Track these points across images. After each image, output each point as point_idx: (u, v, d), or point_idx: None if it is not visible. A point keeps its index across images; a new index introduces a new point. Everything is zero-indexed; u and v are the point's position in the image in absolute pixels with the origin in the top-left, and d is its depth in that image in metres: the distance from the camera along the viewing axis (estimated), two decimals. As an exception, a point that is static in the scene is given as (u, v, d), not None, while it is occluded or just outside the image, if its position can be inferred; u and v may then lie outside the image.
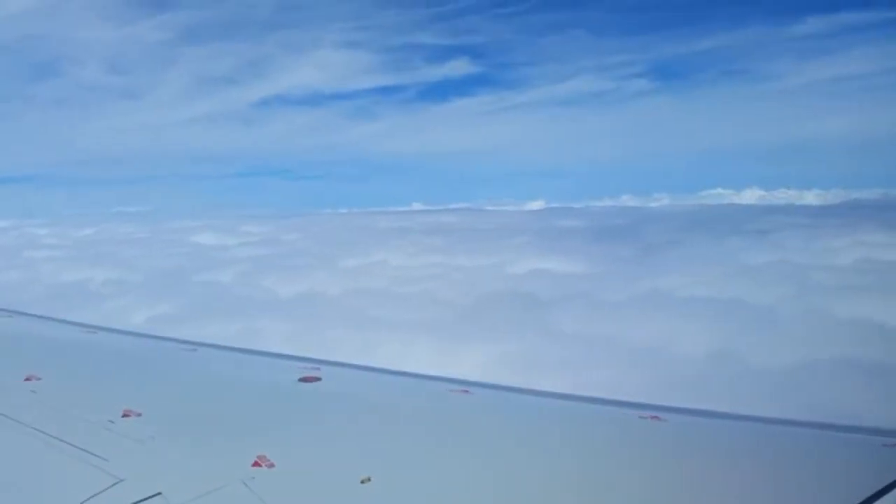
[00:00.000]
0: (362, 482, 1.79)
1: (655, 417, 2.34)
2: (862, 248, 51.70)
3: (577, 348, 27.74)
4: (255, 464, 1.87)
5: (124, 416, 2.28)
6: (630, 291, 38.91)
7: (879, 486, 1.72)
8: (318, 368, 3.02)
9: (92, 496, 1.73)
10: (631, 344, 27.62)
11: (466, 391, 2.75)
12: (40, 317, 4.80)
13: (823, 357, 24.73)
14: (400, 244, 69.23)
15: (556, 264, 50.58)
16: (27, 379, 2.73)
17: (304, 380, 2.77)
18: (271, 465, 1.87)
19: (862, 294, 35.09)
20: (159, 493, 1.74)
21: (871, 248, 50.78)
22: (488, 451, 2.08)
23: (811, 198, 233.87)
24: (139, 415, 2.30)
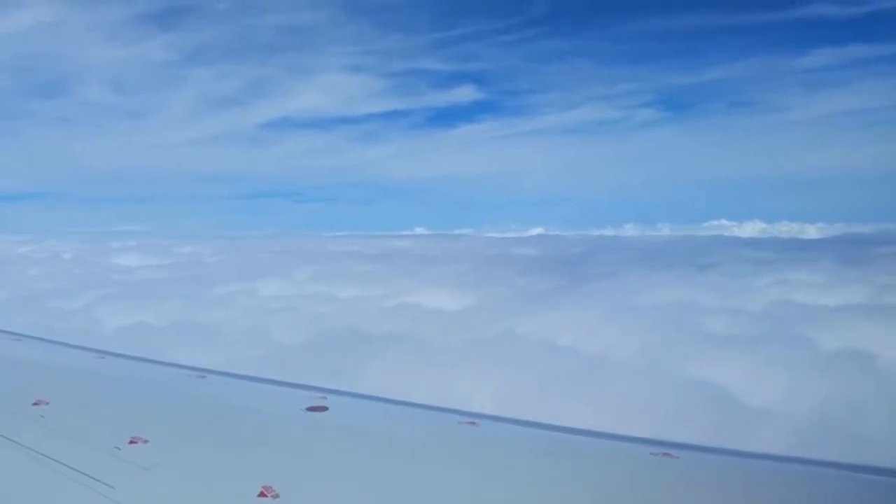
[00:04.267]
0: None
1: (667, 454, 2.23)
2: (788, 288, 46.05)
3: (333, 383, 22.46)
4: (261, 494, 1.84)
5: (131, 442, 2.25)
6: (474, 334, 33.68)
7: None
8: (325, 397, 2.88)
9: None
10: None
11: (474, 423, 2.61)
12: (49, 340, 4.58)
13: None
14: (311, 270, 64.47)
15: (438, 299, 45.41)
16: (35, 403, 2.70)
17: (312, 409, 2.68)
18: (276, 496, 1.84)
19: (729, 345, 29.52)
20: None
21: (798, 289, 45.12)
22: (495, 485, 2.03)
23: (813, 231, 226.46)
24: (146, 441, 2.27)
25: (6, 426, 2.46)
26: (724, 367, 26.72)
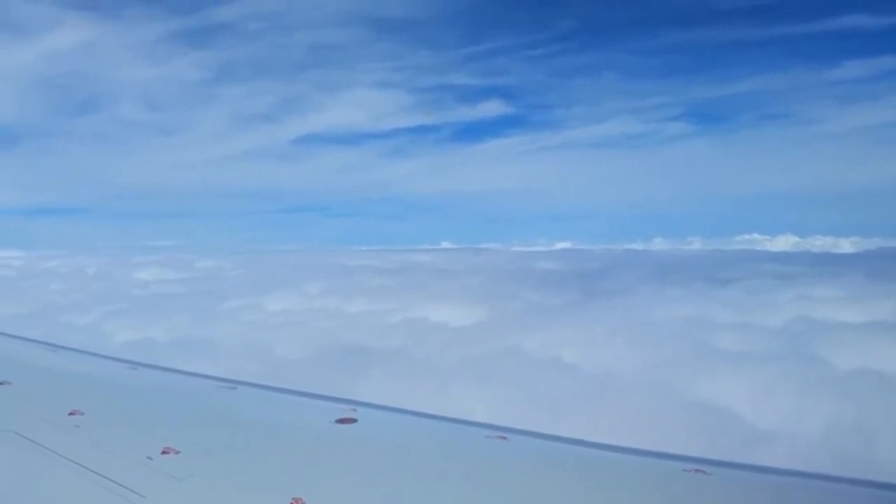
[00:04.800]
0: None
1: (700, 471, 2.22)
2: (808, 303, 44.33)
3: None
4: None
5: (163, 453, 2.27)
6: (472, 349, 32.83)
7: None
8: (355, 409, 2.89)
9: None
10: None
11: (504, 437, 2.60)
12: (84, 352, 4.69)
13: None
14: (323, 285, 64.17)
15: (445, 313, 44.69)
16: (71, 414, 2.75)
17: (341, 421, 2.69)
18: None
19: (734, 363, 28.24)
20: None
21: (819, 305, 43.39)
22: (525, 502, 2.01)
23: (847, 245, 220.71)
24: (178, 452, 2.29)
25: (43, 436, 2.51)
26: (725, 386, 25.56)
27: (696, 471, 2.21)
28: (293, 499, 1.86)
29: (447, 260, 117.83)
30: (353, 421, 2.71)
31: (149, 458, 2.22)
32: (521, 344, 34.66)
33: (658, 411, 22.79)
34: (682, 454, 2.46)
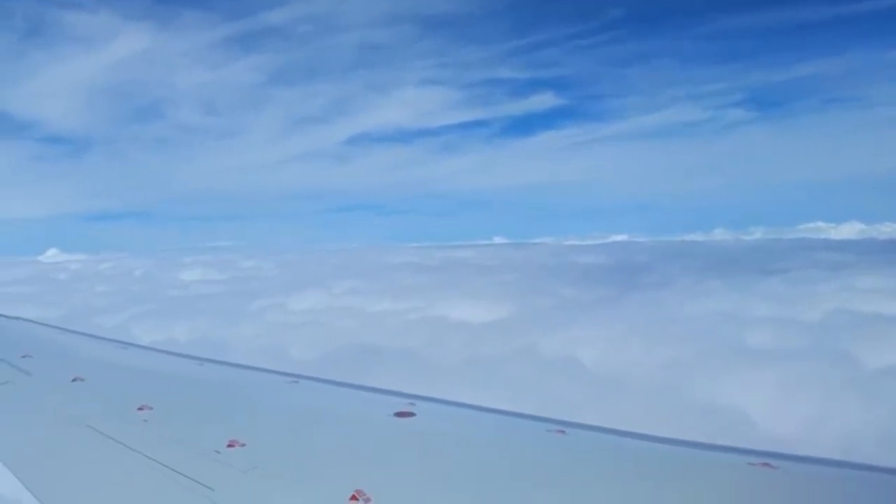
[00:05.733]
0: None
1: (767, 465, 2.16)
2: (851, 295, 41.51)
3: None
4: (353, 497, 1.88)
5: (229, 446, 2.32)
6: (483, 348, 31.83)
7: None
8: (413, 403, 2.91)
9: None
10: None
11: (562, 431, 2.58)
12: (152, 349, 4.87)
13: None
14: (355, 283, 64.05)
15: (468, 311, 43.68)
16: (140, 408, 2.84)
17: (399, 414, 2.71)
18: (368, 500, 1.87)
19: (758, 358, 26.38)
20: None
21: (861, 297, 40.56)
22: (584, 496, 2.02)
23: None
24: (243, 445, 2.33)
25: (114, 430, 2.60)
26: (742, 383, 23.87)
27: (763, 465, 2.13)
28: (355, 490, 1.89)
29: (492, 256, 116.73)
30: (412, 415, 2.72)
31: (216, 451, 2.28)
32: (535, 343, 33.43)
33: (661, 410, 21.41)
34: (749, 448, 2.35)
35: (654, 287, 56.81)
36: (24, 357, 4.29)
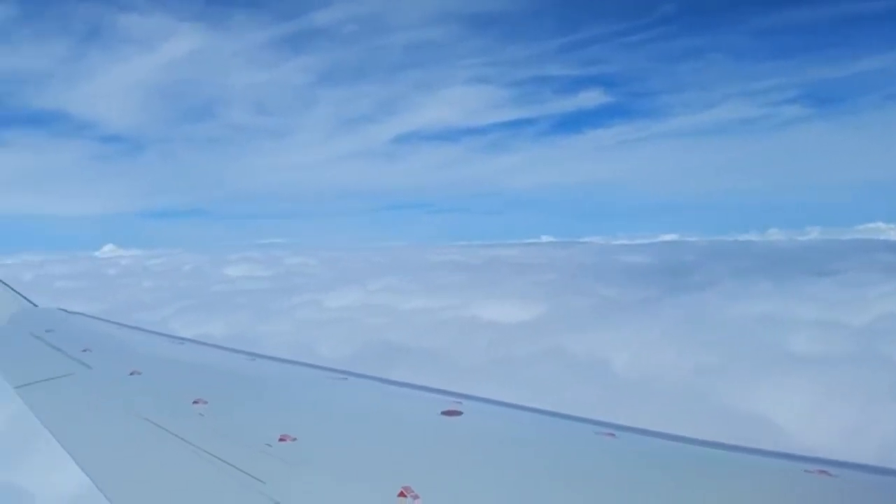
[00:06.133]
0: None
1: (824, 472, 2.06)
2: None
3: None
4: (401, 494, 1.89)
5: (281, 440, 2.37)
6: (506, 350, 31.26)
7: None
8: (460, 402, 2.83)
9: None
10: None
11: (612, 434, 2.51)
12: (207, 344, 4.94)
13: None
14: (392, 281, 64.16)
15: (501, 311, 43.17)
16: (195, 402, 2.90)
17: (447, 413, 2.66)
18: (416, 497, 1.88)
19: (796, 364, 25.14)
20: None
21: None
22: (630, 502, 1.95)
23: None
24: (295, 440, 2.38)
25: (170, 423, 2.67)
26: (774, 390, 22.78)
27: (820, 472, 2.04)
28: (402, 487, 1.91)
29: (535, 254, 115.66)
30: (459, 413, 2.69)
31: (268, 444, 2.32)
32: (567, 343, 32.71)
33: (680, 415, 20.54)
34: (807, 455, 2.23)
35: (697, 288, 55.25)
36: (84, 351, 4.41)
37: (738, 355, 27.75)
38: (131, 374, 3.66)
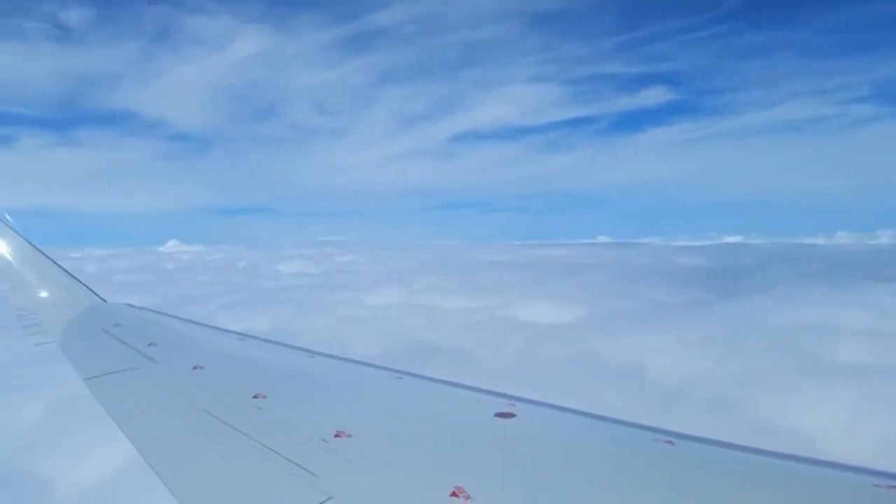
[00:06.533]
0: None
1: (894, 487, 2.01)
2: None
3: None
4: (454, 494, 1.91)
5: (336, 436, 2.42)
6: (538, 353, 30.66)
7: None
8: (514, 404, 2.89)
9: None
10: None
11: (670, 442, 2.47)
12: (267, 340, 5.05)
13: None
14: (436, 280, 64.09)
15: (541, 312, 42.47)
16: (255, 397, 3.01)
17: (500, 415, 2.71)
18: (468, 498, 1.90)
19: (837, 376, 23.87)
20: None
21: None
22: None
23: None
24: (350, 436, 2.43)
25: (230, 416, 2.77)
26: (811, 401, 21.67)
27: (891, 487, 1.99)
28: (455, 487, 1.94)
29: (587, 255, 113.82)
30: (512, 415, 2.72)
31: (324, 440, 2.39)
32: (602, 347, 31.94)
33: (709, 424, 19.72)
34: (875, 469, 2.14)
35: (751, 293, 53.28)
36: (149, 345, 4.55)
37: (772, 363, 26.56)
38: (194, 368, 3.76)
